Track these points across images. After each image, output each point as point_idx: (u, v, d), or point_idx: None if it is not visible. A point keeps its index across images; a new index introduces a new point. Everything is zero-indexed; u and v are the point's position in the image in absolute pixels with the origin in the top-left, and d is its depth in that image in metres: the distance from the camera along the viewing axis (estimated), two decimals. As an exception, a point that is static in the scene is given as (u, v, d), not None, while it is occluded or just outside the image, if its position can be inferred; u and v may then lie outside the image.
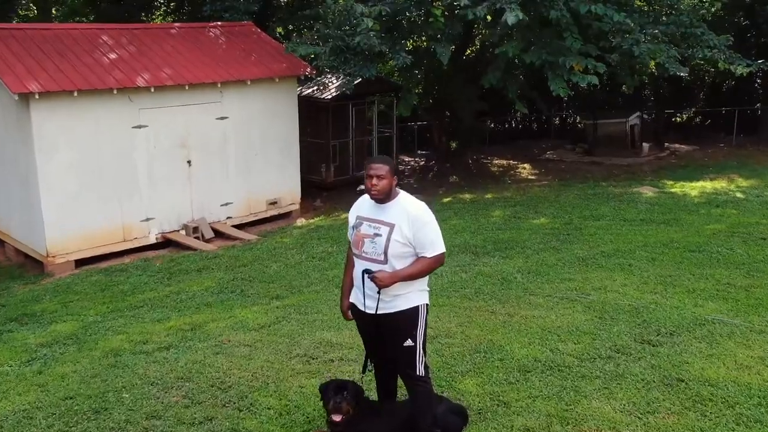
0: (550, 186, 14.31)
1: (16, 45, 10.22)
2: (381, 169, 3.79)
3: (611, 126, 19.19)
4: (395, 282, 3.75)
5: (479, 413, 4.46)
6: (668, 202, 11.26)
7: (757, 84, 21.73)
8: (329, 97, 14.99)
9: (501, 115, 23.10)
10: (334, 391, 4.00)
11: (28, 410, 4.80)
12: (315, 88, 15.30)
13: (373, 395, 4.34)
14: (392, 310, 3.84)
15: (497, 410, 4.48)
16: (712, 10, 16.03)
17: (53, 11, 19.37)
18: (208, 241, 11.27)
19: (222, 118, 11.75)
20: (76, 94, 9.84)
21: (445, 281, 7.26)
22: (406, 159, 19.32)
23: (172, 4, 20.55)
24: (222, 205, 11.99)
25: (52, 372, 5.53)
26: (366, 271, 3.81)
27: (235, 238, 11.34)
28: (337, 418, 3.92)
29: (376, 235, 3.81)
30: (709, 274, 7.22)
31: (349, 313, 4.09)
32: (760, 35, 20.00)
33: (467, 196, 13.53)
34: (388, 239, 3.77)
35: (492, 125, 22.91)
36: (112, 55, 10.88)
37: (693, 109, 24.37)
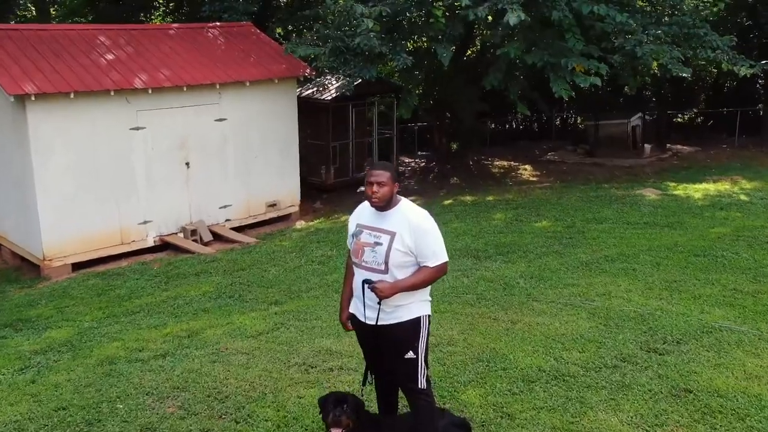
0: (552, 188, 14.20)
1: (11, 46, 10.10)
2: (382, 175, 3.67)
3: (613, 127, 19.08)
4: (396, 293, 3.63)
5: (482, 426, 4.34)
6: (671, 205, 11.15)
7: (759, 84, 21.63)
8: (329, 98, 14.88)
9: (501, 116, 23.01)
10: (333, 404, 3.87)
11: (20, 422, 4.68)
12: (315, 89, 15.19)
13: (374, 408, 4.22)
14: (393, 321, 3.72)
15: (501, 423, 4.37)
16: (714, 10, 15.90)
17: (52, 11, 19.26)
18: (206, 244, 11.16)
19: (220, 120, 11.63)
20: (72, 95, 9.73)
21: (447, 286, 7.14)
22: (407, 160, 19.21)
23: (171, 4, 20.44)
24: (221, 208, 11.87)
25: (46, 381, 5.41)
26: (366, 281, 3.69)
27: (233, 241, 11.22)
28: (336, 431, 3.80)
29: (377, 243, 3.69)
30: (715, 280, 7.10)
31: (349, 323, 3.97)
32: (762, 35, 19.89)
33: (468, 198, 13.41)
34: (389, 248, 3.65)
35: (492, 126, 22.79)
36: (109, 56, 10.77)
37: (695, 110, 24.27)
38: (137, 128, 10.58)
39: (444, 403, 4.56)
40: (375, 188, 3.66)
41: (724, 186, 12.93)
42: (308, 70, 12.82)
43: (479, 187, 14.88)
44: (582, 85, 11.97)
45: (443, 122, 17.95)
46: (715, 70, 20.11)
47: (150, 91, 10.50)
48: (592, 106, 20.47)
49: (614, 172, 16.20)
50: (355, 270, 3.83)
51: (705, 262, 7.75)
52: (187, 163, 11.30)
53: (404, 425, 3.96)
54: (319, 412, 4.00)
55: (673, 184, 13.44)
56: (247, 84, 11.71)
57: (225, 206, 11.92)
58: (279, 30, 17.17)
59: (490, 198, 13.08)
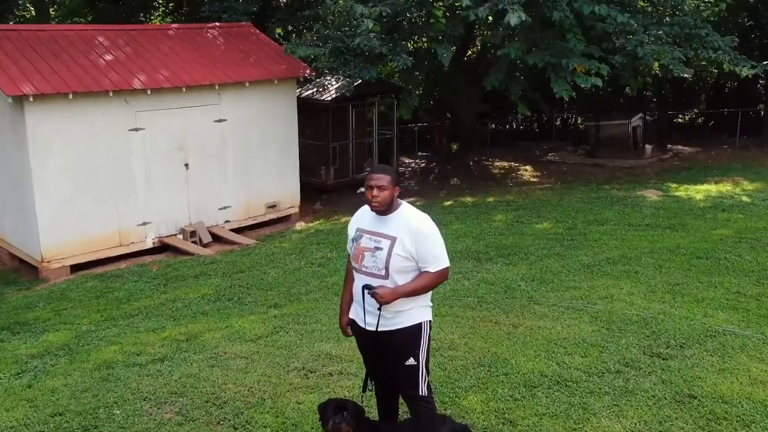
0: (553, 189, 14.14)
1: (10, 46, 10.04)
2: (382, 179, 3.61)
3: (613, 127, 19.02)
4: (397, 298, 3.57)
5: (484, 432, 4.29)
6: (673, 206, 11.09)
7: (760, 85, 21.57)
8: (329, 98, 14.82)
9: (502, 117, 22.95)
10: (333, 411, 3.82)
11: (16, 428, 4.62)
12: (314, 89, 15.13)
13: (374, 414, 4.16)
14: (393, 327, 3.66)
15: (503, 429, 4.31)
16: (716, 10, 15.86)
17: (51, 12, 19.20)
18: (205, 245, 11.10)
19: (220, 121, 11.57)
20: (71, 96, 9.67)
21: (448, 289, 7.08)
22: (407, 161, 19.16)
23: (170, 4, 20.38)
24: (220, 209, 11.81)
25: (42, 386, 5.35)
26: (366, 287, 3.63)
27: (233, 243, 11.16)
28: (336, 439, 3.75)
29: (377, 248, 3.63)
30: (717, 282, 7.04)
31: (349, 329, 3.91)
32: (763, 36, 19.84)
33: (469, 199, 13.35)
34: (390, 253, 3.59)
35: (493, 126, 22.74)
36: (108, 57, 10.71)
37: (695, 110, 24.21)
38: (136, 129, 10.53)
39: (445, 410, 4.50)
40: (375, 192, 3.60)
41: (725, 187, 12.88)
42: (308, 71, 12.77)
43: (480, 188, 14.82)
44: (583, 86, 11.92)
45: (443, 123, 17.89)
46: (716, 71, 20.04)
47: (149, 92, 10.45)
48: (593, 107, 20.42)
49: (615, 173, 16.15)
50: (355, 275, 3.77)
51: (707, 264, 7.69)
52: (187, 164, 11.24)
53: (405, 432, 3.90)
54: (318, 418, 3.94)
55: (674, 185, 13.38)
56: (247, 84, 11.65)
57: (224, 207, 11.87)
58: (279, 30, 17.12)
59: (491, 199, 13.02)
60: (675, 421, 4.34)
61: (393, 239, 3.60)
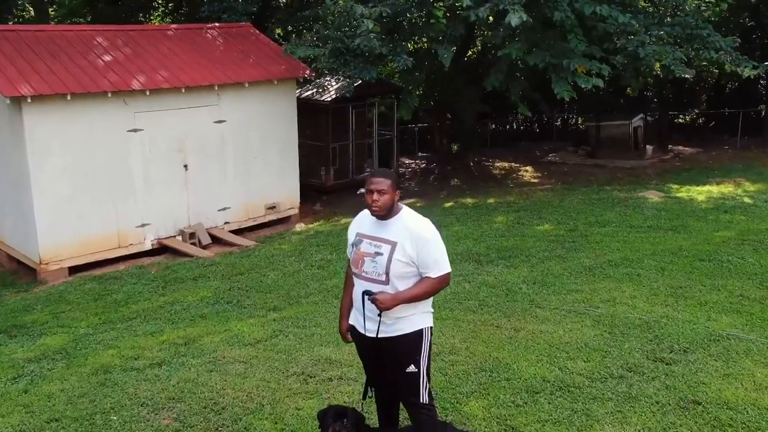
0: (554, 190, 14.08)
1: (8, 47, 9.98)
2: (382, 183, 3.55)
3: (614, 128, 18.94)
4: (397, 304, 3.51)
5: (486, 439, 4.23)
6: (675, 208, 11.03)
7: (761, 85, 21.50)
8: (329, 99, 14.75)
9: (502, 117, 22.87)
10: (333, 418, 3.77)
11: (11, 434, 4.57)
12: (314, 90, 15.06)
13: (374, 421, 4.10)
14: (394, 334, 3.61)
15: (505, 436, 4.25)
16: (717, 10, 15.78)
17: (51, 12, 19.14)
18: (205, 247, 11.04)
19: (219, 122, 11.51)
20: (69, 97, 9.60)
21: (448, 292, 7.00)
22: (407, 161, 19.09)
23: (170, 4, 20.33)
24: (219, 210, 11.75)
25: (39, 391, 5.30)
26: (366, 293, 3.57)
27: (232, 244, 11.10)
28: (335, 447, 3.69)
29: (377, 253, 3.58)
30: (721, 285, 6.98)
31: (349, 335, 3.86)
32: (764, 36, 19.78)
33: (469, 200, 13.29)
34: (390, 258, 3.53)
35: (493, 126, 22.66)
36: (107, 57, 10.65)
37: (696, 111, 24.14)
38: (135, 130, 10.47)
39: (446, 416, 4.45)
40: (375, 196, 3.54)
41: (727, 188, 12.82)
42: (308, 71, 12.70)
43: (480, 189, 14.76)
44: (584, 86, 11.85)
45: (444, 123, 17.83)
46: (717, 71, 19.98)
47: (148, 93, 10.38)
48: (594, 107, 20.35)
49: (616, 174, 16.08)
50: (355, 280, 3.71)
51: (710, 267, 7.63)
52: (186, 165, 11.18)
53: (405, 440, 3.85)
54: (318, 426, 3.88)
55: (675, 186, 13.33)
56: (246, 85, 11.59)
57: (224, 209, 11.80)
58: (278, 31, 17.06)
59: (491, 200, 12.96)
60: (679, 428, 4.28)
61: (393, 244, 3.54)
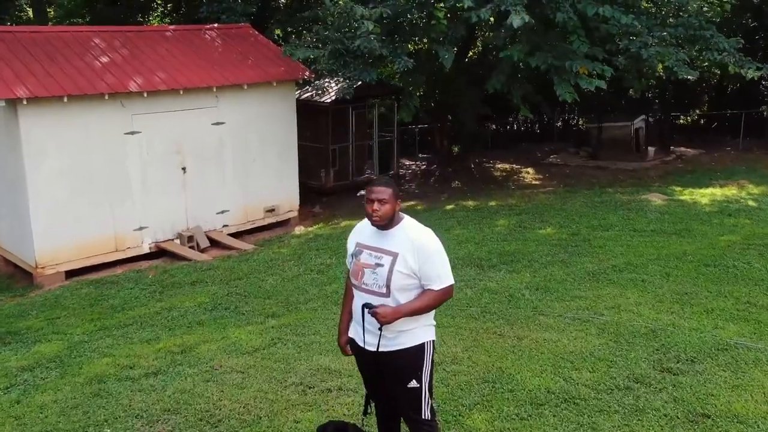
0: (555, 192, 13.94)
1: (3, 48, 9.86)
2: (383, 192, 3.43)
3: (616, 129, 18.79)
4: (398, 318, 3.39)
5: (489, 454, 4.11)
6: (678, 211, 10.90)
7: (763, 86, 21.37)
8: (329, 100, 14.63)
9: (503, 118, 22.73)
10: (332, 434, 3.65)
11: (2, 447, 4.45)
12: (314, 91, 14.94)
13: (375, 436, 3.98)
14: (395, 348, 3.48)
15: (509, 451, 4.13)
16: (719, 11, 15.66)
17: (50, 12, 19.02)
18: (203, 250, 10.92)
19: (218, 124, 11.40)
20: (66, 99, 9.50)
21: (450, 299, 6.88)
22: (408, 163, 18.96)
23: (168, 5, 20.21)
24: (218, 213, 11.63)
25: (31, 401, 5.18)
26: (366, 306, 3.45)
27: (231, 248, 10.98)
28: (335, 464, 3.58)
29: (378, 265, 3.45)
30: (727, 292, 6.86)
31: (348, 348, 3.73)
32: (767, 37, 19.64)
33: (470, 203, 13.16)
34: (391, 270, 3.41)
35: (494, 128, 22.53)
36: (104, 59, 10.53)
37: (698, 112, 24.01)
38: (132, 132, 10.35)
39: (449, 430, 4.32)
40: (376, 206, 3.42)
41: (731, 191, 12.70)
42: (307, 73, 12.59)
43: (481, 191, 14.63)
44: (587, 88, 11.73)
45: (444, 125, 17.69)
46: (718, 72, 19.84)
47: (145, 95, 10.27)
48: (595, 108, 20.21)
49: (618, 176, 15.95)
50: (355, 293, 3.59)
51: (716, 272, 7.51)
52: (184, 168, 11.06)
53: (407, 457, 3.73)
54: (316, 441, 3.77)
55: (678, 188, 13.20)
56: (245, 87, 11.47)
57: (222, 212, 11.69)
58: (278, 32, 16.94)
59: (493, 203, 12.83)
60: (688, 442, 4.17)
61: (395, 255, 3.42)
